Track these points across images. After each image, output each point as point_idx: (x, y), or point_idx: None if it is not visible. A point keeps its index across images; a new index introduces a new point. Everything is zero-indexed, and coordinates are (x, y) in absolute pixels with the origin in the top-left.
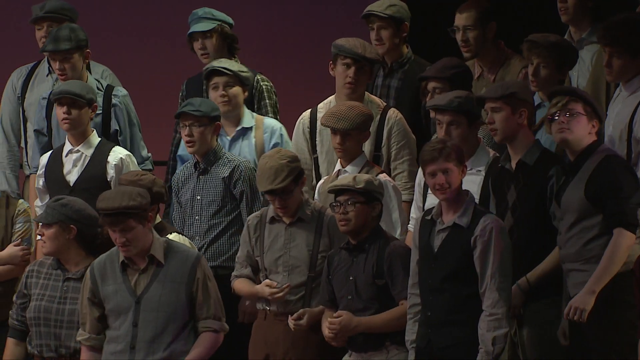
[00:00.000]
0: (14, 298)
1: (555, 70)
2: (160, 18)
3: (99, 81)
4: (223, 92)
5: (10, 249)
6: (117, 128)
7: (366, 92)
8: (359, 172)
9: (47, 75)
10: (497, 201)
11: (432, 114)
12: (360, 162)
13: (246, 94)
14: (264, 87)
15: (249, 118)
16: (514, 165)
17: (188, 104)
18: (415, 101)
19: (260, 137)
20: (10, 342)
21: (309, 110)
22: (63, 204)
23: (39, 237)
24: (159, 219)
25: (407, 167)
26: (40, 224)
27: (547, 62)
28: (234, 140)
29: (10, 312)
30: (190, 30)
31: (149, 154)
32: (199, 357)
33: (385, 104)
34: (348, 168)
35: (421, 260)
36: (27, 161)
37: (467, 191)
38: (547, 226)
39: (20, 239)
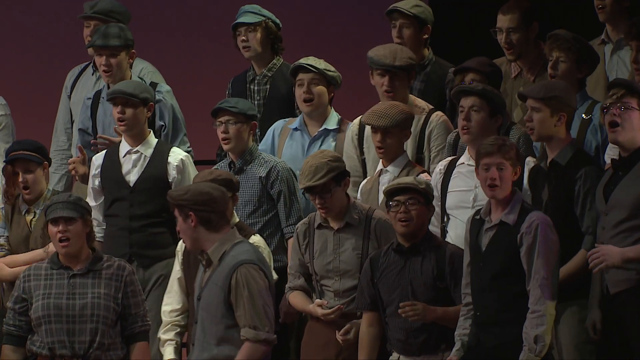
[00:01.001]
0: (9, 304)
1: (575, 65)
2: (209, 16)
3: (141, 79)
4: (307, 89)
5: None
6: (162, 123)
7: (411, 96)
8: (400, 172)
9: (92, 75)
10: (533, 199)
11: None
12: (402, 162)
13: (332, 94)
14: None
15: (334, 120)
16: (548, 164)
17: (225, 101)
18: (437, 103)
19: (341, 140)
20: (7, 349)
21: (358, 117)
22: (78, 198)
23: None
24: (236, 218)
25: None
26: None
27: (566, 57)
28: (314, 139)
29: (4, 319)
30: (236, 22)
31: (190, 149)
32: None
33: (431, 107)
34: (389, 168)
35: (471, 260)
36: None
37: (515, 189)
38: (574, 227)
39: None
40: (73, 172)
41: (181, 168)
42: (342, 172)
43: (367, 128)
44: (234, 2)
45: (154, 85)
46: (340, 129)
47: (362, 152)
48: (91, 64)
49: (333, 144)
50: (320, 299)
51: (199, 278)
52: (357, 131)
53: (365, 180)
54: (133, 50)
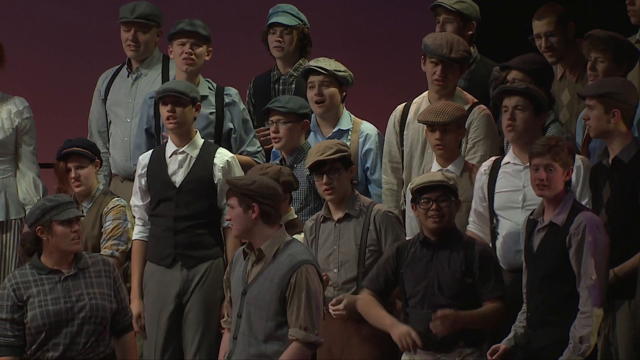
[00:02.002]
0: (3, 315)
1: (613, 64)
2: (229, 14)
3: (209, 81)
4: (318, 91)
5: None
6: (231, 126)
7: (458, 88)
8: (460, 175)
9: (128, 77)
10: (593, 197)
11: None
12: (460, 164)
13: (344, 94)
14: None
15: (347, 120)
16: (610, 162)
17: (276, 100)
18: (481, 101)
19: (355, 140)
20: None
21: (404, 104)
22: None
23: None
24: (293, 215)
25: (476, 164)
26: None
27: (604, 57)
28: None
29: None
30: (273, 21)
31: (260, 149)
32: None
33: (475, 100)
34: (450, 167)
35: (525, 261)
36: (111, 162)
37: (568, 189)
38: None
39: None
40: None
41: (227, 169)
42: (349, 160)
43: (409, 123)
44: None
45: (220, 88)
46: (354, 129)
47: (402, 140)
48: (125, 66)
49: (348, 144)
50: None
51: (239, 272)
52: (399, 118)
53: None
54: (211, 49)
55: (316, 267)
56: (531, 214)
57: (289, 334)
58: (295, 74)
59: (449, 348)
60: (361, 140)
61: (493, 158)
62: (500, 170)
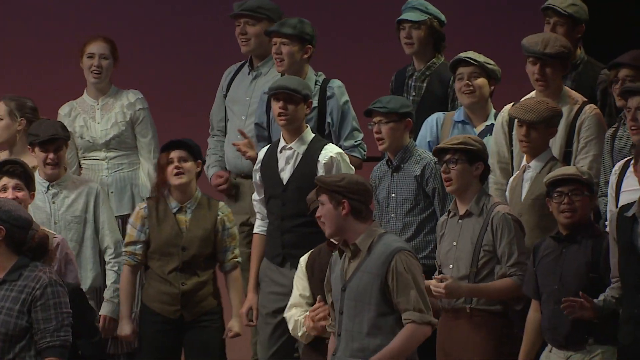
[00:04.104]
0: None
1: None
2: (370, 11)
3: (316, 73)
4: (467, 82)
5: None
6: (330, 119)
7: (565, 87)
8: (542, 168)
9: (248, 74)
10: None
11: (619, 102)
12: (545, 158)
13: (492, 88)
14: None
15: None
16: None
17: (376, 101)
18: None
19: None
20: None
21: (511, 103)
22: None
23: None
24: None
25: (588, 164)
26: None
27: None
28: (481, 135)
29: None
30: (400, 17)
31: (357, 142)
32: (393, 349)
33: (585, 99)
34: (532, 164)
35: (622, 257)
36: (225, 159)
37: None
38: None
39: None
40: (245, 155)
41: (330, 165)
42: (477, 154)
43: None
44: None
45: (326, 81)
46: None
47: (511, 140)
48: (247, 64)
49: None
50: None
51: (338, 271)
52: (507, 118)
53: (512, 177)
54: (310, 46)
55: (414, 254)
56: (625, 210)
57: (404, 317)
58: (428, 73)
59: (578, 346)
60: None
61: (626, 159)
62: (627, 170)
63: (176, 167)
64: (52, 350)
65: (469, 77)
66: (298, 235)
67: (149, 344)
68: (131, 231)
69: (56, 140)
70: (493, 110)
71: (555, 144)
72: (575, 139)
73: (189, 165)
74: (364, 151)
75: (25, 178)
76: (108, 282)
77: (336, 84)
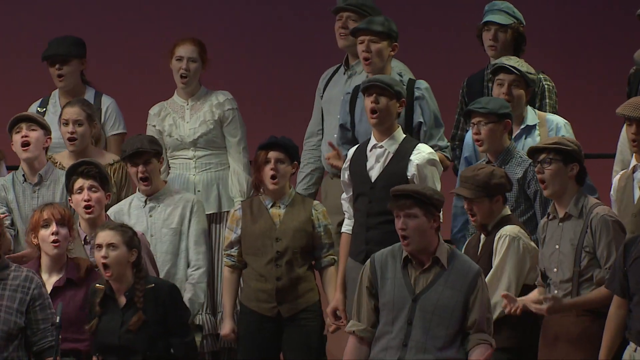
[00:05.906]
0: None
1: None
2: (447, 12)
3: (400, 74)
4: (507, 90)
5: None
6: (421, 120)
7: None
8: None
9: (344, 74)
10: None
11: None
12: None
13: (529, 96)
14: (545, 86)
15: (532, 116)
16: None
17: (476, 102)
18: None
19: (545, 134)
20: None
21: None
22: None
23: None
24: (508, 211)
25: None
26: None
27: None
28: (517, 138)
29: None
30: (487, 19)
31: (449, 143)
32: None
33: None
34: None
35: None
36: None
37: None
38: None
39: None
40: (332, 165)
41: (421, 166)
42: (572, 155)
43: None
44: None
45: (412, 82)
46: (540, 123)
47: None
48: (342, 65)
49: (538, 138)
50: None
51: (397, 279)
52: None
53: (618, 175)
54: (396, 44)
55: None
56: None
57: (479, 337)
58: None
59: None
60: (551, 132)
61: None
62: None
63: (272, 170)
64: (51, 350)
65: (509, 85)
66: (382, 233)
67: (246, 343)
68: (228, 234)
69: (143, 154)
70: (530, 111)
71: None
72: None
73: (284, 168)
74: (450, 154)
75: (101, 178)
76: (184, 295)
77: (424, 85)
